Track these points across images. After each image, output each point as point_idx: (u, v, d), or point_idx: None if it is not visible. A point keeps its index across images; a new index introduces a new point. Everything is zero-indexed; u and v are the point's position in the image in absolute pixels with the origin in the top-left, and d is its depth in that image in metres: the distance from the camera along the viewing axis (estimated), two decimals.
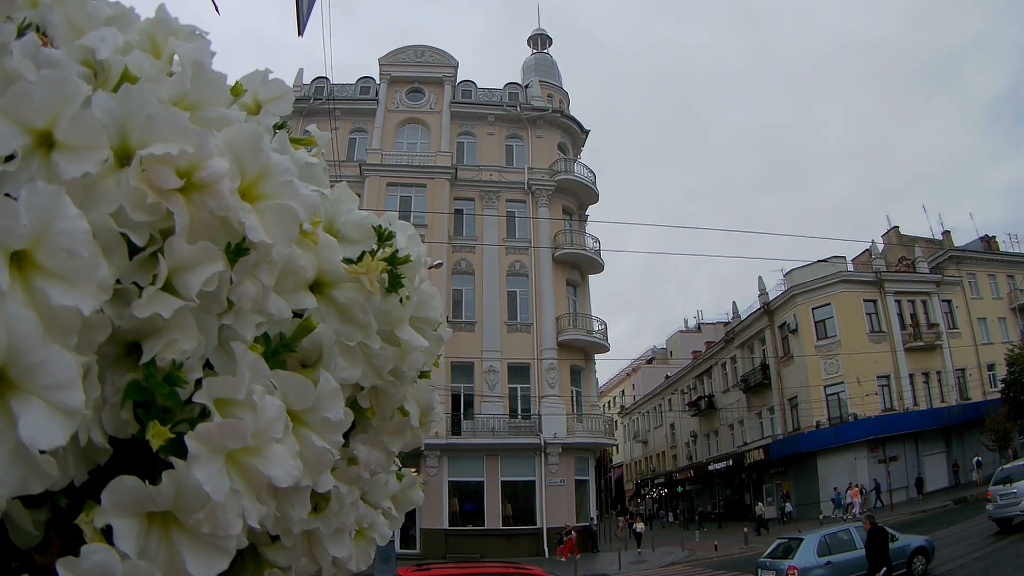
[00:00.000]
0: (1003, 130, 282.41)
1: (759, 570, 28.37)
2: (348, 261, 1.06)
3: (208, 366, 0.90)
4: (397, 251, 1.12)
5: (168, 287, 0.81)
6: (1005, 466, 36.22)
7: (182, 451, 0.77)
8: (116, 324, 0.80)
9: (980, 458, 59.89)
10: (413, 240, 1.21)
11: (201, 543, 0.80)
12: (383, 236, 1.14)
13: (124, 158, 0.82)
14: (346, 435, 1.10)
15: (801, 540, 27.66)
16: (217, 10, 3.87)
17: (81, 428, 0.75)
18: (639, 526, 56.11)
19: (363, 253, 1.08)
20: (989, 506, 34.58)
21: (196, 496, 0.78)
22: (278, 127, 1.19)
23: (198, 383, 0.84)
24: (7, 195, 0.70)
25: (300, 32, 5.07)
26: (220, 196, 0.84)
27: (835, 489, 60.23)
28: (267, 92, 1.22)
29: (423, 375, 1.24)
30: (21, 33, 0.93)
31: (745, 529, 52.98)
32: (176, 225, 0.82)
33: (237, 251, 0.88)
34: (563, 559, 42.46)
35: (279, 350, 0.93)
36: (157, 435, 0.78)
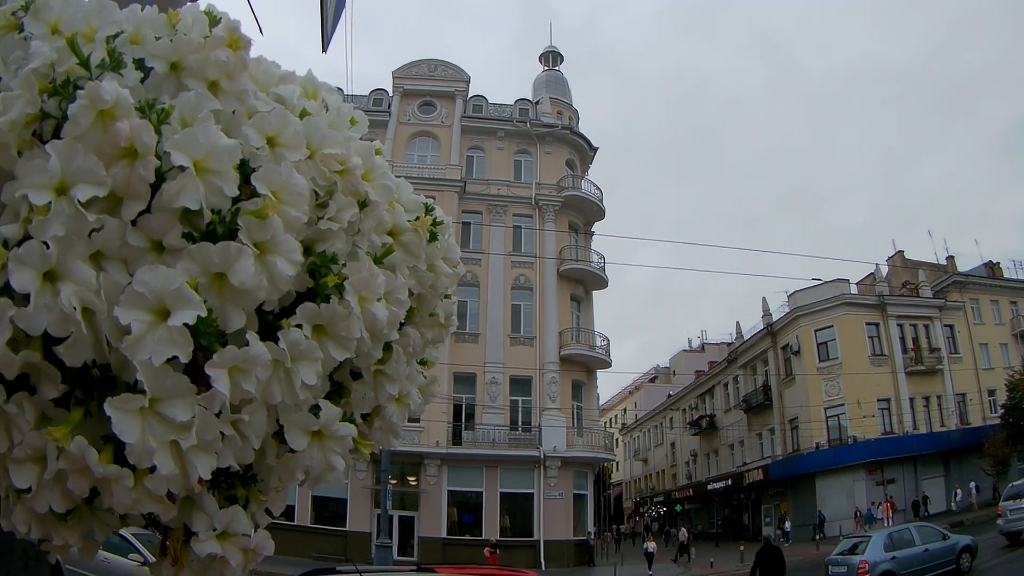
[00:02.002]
0: (1015, 160, 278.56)
1: (829, 567, 29.77)
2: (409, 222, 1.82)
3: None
4: (436, 217, 1.88)
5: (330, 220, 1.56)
6: (1016, 482, 37.26)
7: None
8: (305, 235, 1.52)
9: (976, 483, 60.17)
10: (443, 215, 1.97)
11: (337, 342, 1.50)
12: (428, 209, 1.89)
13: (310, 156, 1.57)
14: (402, 325, 1.84)
15: (869, 538, 29.71)
16: (261, 31, 4.31)
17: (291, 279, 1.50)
18: (651, 546, 53.20)
19: (417, 216, 1.82)
20: (999, 521, 35.78)
21: (344, 313, 1.48)
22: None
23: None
24: (253, 168, 1.45)
25: (324, 48, 5.22)
26: (356, 177, 1.55)
27: (873, 503, 60.29)
28: (358, 117, 1.94)
29: (447, 297, 1.99)
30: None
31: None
32: (338, 188, 1.54)
33: (362, 204, 1.61)
34: None
35: (376, 261, 1.64)
36: (331, 279, 1.47)
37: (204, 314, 1.27)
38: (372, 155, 1.68)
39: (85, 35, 1.44)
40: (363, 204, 1.62)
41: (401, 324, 1.76)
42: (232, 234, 1.36)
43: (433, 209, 1.91)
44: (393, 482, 44.35)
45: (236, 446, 1.41)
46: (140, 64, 1.49)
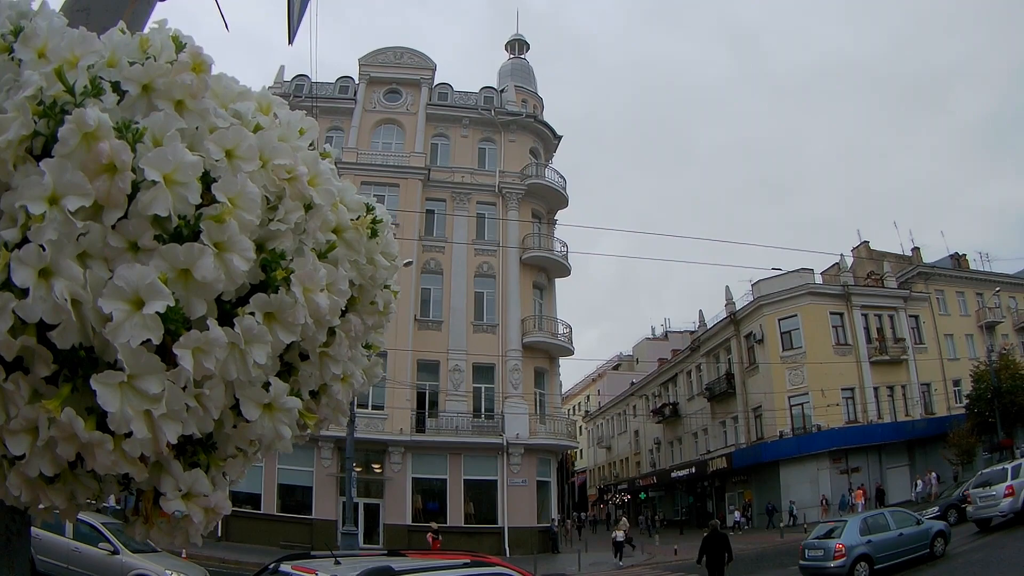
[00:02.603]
0: (983, 154, 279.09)
1: (806, 550, 30.39)
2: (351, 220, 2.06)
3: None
4: (376, 216, 2.12)
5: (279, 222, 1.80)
6: (985, 470, 38.41)
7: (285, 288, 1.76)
8: (258, 235, 1.75)
9: (936, 473, 60.72)
10: (384, 213, 2.21)
11: (284, 327, 1.75)
12: (369, 208, 2.13)
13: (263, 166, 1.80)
14: (345, 313, 2.08)
15: (845, 522, 30.38)
16: (227, 27, 4.39)
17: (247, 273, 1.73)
18: (619, 534, 49.79)
19: (359, 216, 2.06)
20: (969, 508, 36.69)
21: (290, 302, 1.73)
22: (310, 147, 2.17)
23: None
24: (213, 180, 1.68)
25: (290, 41, 5.15)
26: (302, 183, 1.80)
27: (848, 490, 61.28)
28: (307, 126, 2.17)
29: (386, 287, 2.24)
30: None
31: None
32: (286, 193, 1.78)
33: (308, 207, 1.85)
34: None
35: (321, 256, 1.88)
36: (280, 273, 1.72)
37: (172, 304, 1.53)
38: (318, 163, 1.93)
39: (69, 62, 1.67)
40: (309, 206, 1.86)
41: (344, 311, 2.02)
42: (195, 236, 1.61)
43: (374, 209, 2.15)
44: (358, 470, 44.39)
45: (199, 416, 1.68)
46: (116, 86, 1.73)
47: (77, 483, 1.77)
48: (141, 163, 1.55)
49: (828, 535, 30.13)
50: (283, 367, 1.97)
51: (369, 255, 2.07)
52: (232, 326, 1.66)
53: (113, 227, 1.56)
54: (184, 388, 1.59)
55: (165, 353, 1.57)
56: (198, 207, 1.62)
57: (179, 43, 1.81)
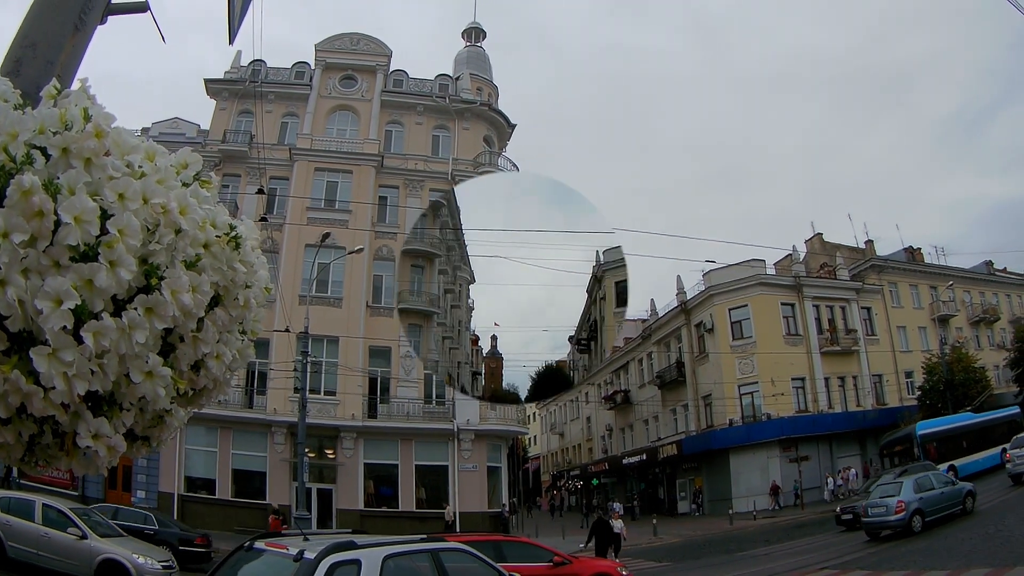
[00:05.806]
0: (944, 151, 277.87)
1: (868, 509, 34.05)
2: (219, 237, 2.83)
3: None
4: (237, 233, 2.90)
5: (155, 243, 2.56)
6: (1019, 435, 42.72)
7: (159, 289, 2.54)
8: (140, 253, 2.51)
9: (855, 469, 61.90)
10: (249, 230, 3.00)
11: (159, 318, 2.52)
12: (232, 228, 2.91)
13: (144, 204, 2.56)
14: (215, 307, 2.87)
15: (901, 483, 34.00)
16: (163, 39, 4.93)
17: (129, 280, 2.50)
18: (618, 524, 39.00)
19: (224, 234, 2.83)
20: (1008, 464, 42.25)
21: (162, 301, 2.50)
22: (196, 176, 2.94)
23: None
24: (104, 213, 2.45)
25: (231, 40, 5.43)
26: (174, 214, 2.56)
27: (840, 470, 62.94)
28: (190, 160, 2.96)
29: (248, 287, 3.02)
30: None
31: None
32: (161, 222, 2.55)
33: (178, 231, 2.62)
34: None
35: (189, 266, 2.64)
36: (156, 280, 2.49)
37: (80, 303, 2.33)
38: (187, 198, 2.71)
39: (11, 135, 2.44)
40: (179, 231, 2.64)
41: (215, 305, 2.81)
42: (96, 256, 2.39)
43: (236, 228, 2.94)
44: (311, 455, 44.81)
45: (101, 378, 2.48)
46: (43, 151, 2.50)
47: (22, 424, 2.57)
48: (60, 209, 2.33)
49: (886, 496, 33.48)
50: (167, 347, 2.76)
51: (229, 263, 2.85)
52: (122, 317, 2.45)
53: (44, 252, 2.34)
54: (89, 358, 2.39)
55: (77, 335, 2.36)
56: (98, 236, 2.39)
57: (87, 115, 2.56)
